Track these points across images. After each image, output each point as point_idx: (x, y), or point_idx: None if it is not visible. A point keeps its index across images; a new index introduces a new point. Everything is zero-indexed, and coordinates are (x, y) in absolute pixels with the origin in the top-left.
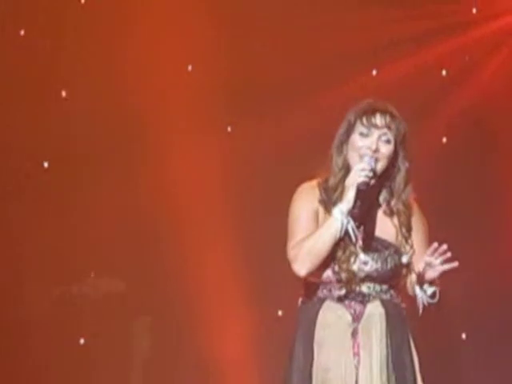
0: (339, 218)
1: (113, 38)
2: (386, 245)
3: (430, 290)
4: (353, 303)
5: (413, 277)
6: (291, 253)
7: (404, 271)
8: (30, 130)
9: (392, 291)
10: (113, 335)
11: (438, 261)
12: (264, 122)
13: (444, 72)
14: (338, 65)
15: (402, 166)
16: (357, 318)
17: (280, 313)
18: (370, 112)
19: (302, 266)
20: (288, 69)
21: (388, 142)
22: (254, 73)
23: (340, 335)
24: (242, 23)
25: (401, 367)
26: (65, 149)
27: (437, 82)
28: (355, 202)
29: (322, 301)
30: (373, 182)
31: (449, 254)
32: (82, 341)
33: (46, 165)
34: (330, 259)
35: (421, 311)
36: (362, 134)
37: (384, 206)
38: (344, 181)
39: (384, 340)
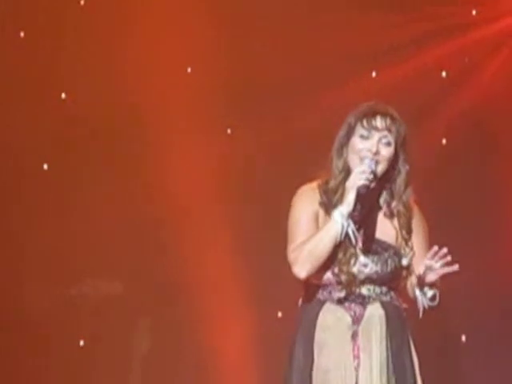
0: (339, 221)
1: (112, 39)
2: (386, 247)
3: (430, 292)
4: (353, 305)
5: (413, 279)
6: (291, 255)
7: (404, 273)
8: (30, 131)
9: (392, 293)
10: (112, 337)
11: (439, 264)
12: (264, 124)
13: (444, 74)
14: (337, 67)
15: (403, 168)
16: (357, 320)
17: (280, 314)
18: (371, 114)
19: (302, 268)
20: (288, 71)
21: (388, 144)
22: (253, 75)
23: (340, 337)
24: (241, 25)
25: (401, 369)
26: (65, 151)
27: (436, 84)
28: (355, 204)
29: (322, 303)
30: (373, 184)
31: (449, 258)
32: (81, 342)
33: (45, 166)
34: (330, 261)
35: (421, 314)
36: (362, 137)
37: (384, 208)
38: (344, 183)
39: (384, 342)
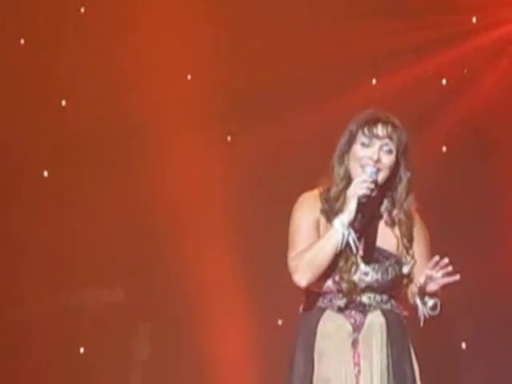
0: (340, 230)
1: (112, 46)
2: (386, 255)
3: (430, 302)
4: (353, 313)
5: (413, 287)
6: (292, 264)
7: (405, 281)
8: (31, 138)
9: (393, 301)
10: (112, 344)
11: (440, 274)
12: (264, 132)
13: (444, 81)
14: (338, 74)
15: (404, 176)
16: (357, 327)
17: (280, 322)
18: (372, 122)
19: (302, 277)
20: (288, 78)
21: (390, 152)
22: (253, 82)
23: (340, 345)
24: (241, 32)
25: (401, 377)
26: (65, 158)
27: (437, 92)
28: (356, 214)
29: (322, 310)
30: (374, 193)
31: (450, 268)
32: (81, 350)
33: (46, 174)
34: (330, 270)
35: (422, 323)
36: (363, 144)
37: (385, 216)
38: (345, 191)
39: (384, 350)
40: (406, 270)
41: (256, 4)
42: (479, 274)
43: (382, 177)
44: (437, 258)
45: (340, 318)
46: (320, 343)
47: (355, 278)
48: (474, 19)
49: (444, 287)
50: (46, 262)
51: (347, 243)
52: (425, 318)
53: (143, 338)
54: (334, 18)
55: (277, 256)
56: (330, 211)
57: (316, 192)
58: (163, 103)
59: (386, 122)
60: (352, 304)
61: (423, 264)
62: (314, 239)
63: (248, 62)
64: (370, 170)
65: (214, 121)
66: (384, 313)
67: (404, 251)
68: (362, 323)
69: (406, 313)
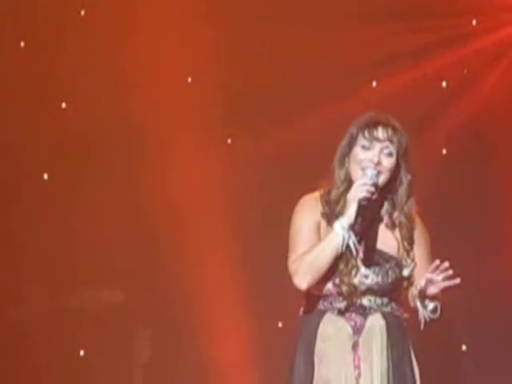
0: (340, 233)
1: (113, 49)
2: (387, 258)
3: (431, 305)
4: (353, 316)
5: (414, 289)
6: (292, 266)
7: (405, 284)
8: (31, 141)
9: (393, 304)
10: (112, 346)
11: (440, 277)
12: (264, 134)
13: (444, 84)
14: (338, 77)
15: (405, 178)
16: (357, 330)
17: (280, 324)
18: (372, 125)
19: (302, 279)
20: (288, 81)
21: (390, 155)
22: (253, 85)
23: (340, 348)
24: (241, 35)
25: (402, 379)
26: (65, 160)
27: (437, 94)
28: (356, 217)
29: (322, 313)
30: (374, 196)
31: (450, 272)
32: (81, 352)
33: (46, 176)
34: (331, 272)
35: (422, 326)
36: (363, 147)
37: (386, 219)
38: (346, 193)
39: (385, 352)
40: (406, 272)
41: (256, 7)
42: (479, 276)
43: (382, 179)
44: (437, 261)
45: (340, 321)
46: (320, 346)
47: (355, 280)
48: (474, 22)
49: (444, 290)
50: (46, 263)
51: (347, 246)
52: (425, 321)
53: (143, 341)
54: (334, 21)
55: (277, 259)
56: (331, 214)
57: (317, 194)
58: (163, 106)
59: (386, 125)
60: (352, 307)
61: (424, 267)
62: (314, 242)
63: (248, 65)
64: (370, 172)
65: (214, 123)
66: (384, 315)
67: (404, 254)
68: (363, 326)
69: (406, 315)
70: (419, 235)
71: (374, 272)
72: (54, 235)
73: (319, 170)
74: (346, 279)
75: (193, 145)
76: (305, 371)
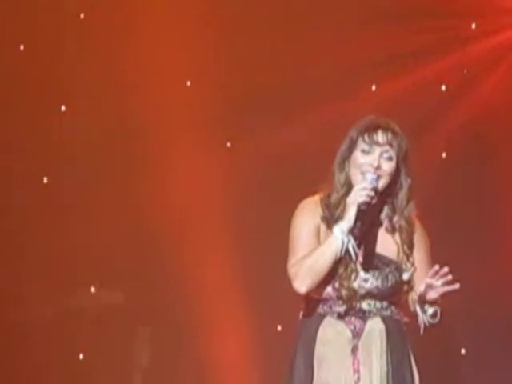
0: (340, 237)
1: (112, 52)
2: (386, 262)
3: (430, 310)
4: (353, 319)
5: (414, 294)
6: (291, 270)
7: (405, 288)
8: (30, 144)
9: (393, 308)
10: (112, 349)
11: (440, 282)
12: (264, 138)
13: (443, 87)
14: (337, 80)
15: (405, 182)
16: (357, 334)
17: (279, 328)
18: (372, 129)
19: (302, 283)
20: (287, 84)
21: (390, 159)
22: (253, 88)
23: (340, 351)
24: (241, 38)
25: (401, 383)
26: (64, 163)
27: (436, 97)
28: (356, 221)
29: (322, 317)
30: (374, 200)
31: (450, 277)
32: (81, 356)
33: (45, 180)
34: (330, 276)
35: (422, 331)
36: (363, 151)
37: (386, 223)
38: (346, 197)
39: (384, 356)
40: (406, 276)
41: (255, 10)
42: (479, 279)
43: (382, 184)
44: (437, 267)
45: (340, 325)
46: (320, 349)
47: (355, 284)
48: (474, 25)
49: (444, 295)
50: (46, 264)
51: (347, 250)
52: (425, 325)
53: (143, 342)
54: (334, 23)
55: (277, 262)
56: (331, 218)
57: (317, 198)
58: (163, 109)
59: (386, 129)
60: (352, 310)
61: (423, 271)
62: (314, 246)
63: (248, 67)
64: (370, 176)
65: (213, 126)
66: (384, 319)
67: (404, 258)
68: (362, 330)
69: (406, 319)
70: (419, 239)
71: (373, 276)
72: (54, 237)
73: (319, 173)
74: (345, 283)
75: (192, 147)
76: (304, 375)
